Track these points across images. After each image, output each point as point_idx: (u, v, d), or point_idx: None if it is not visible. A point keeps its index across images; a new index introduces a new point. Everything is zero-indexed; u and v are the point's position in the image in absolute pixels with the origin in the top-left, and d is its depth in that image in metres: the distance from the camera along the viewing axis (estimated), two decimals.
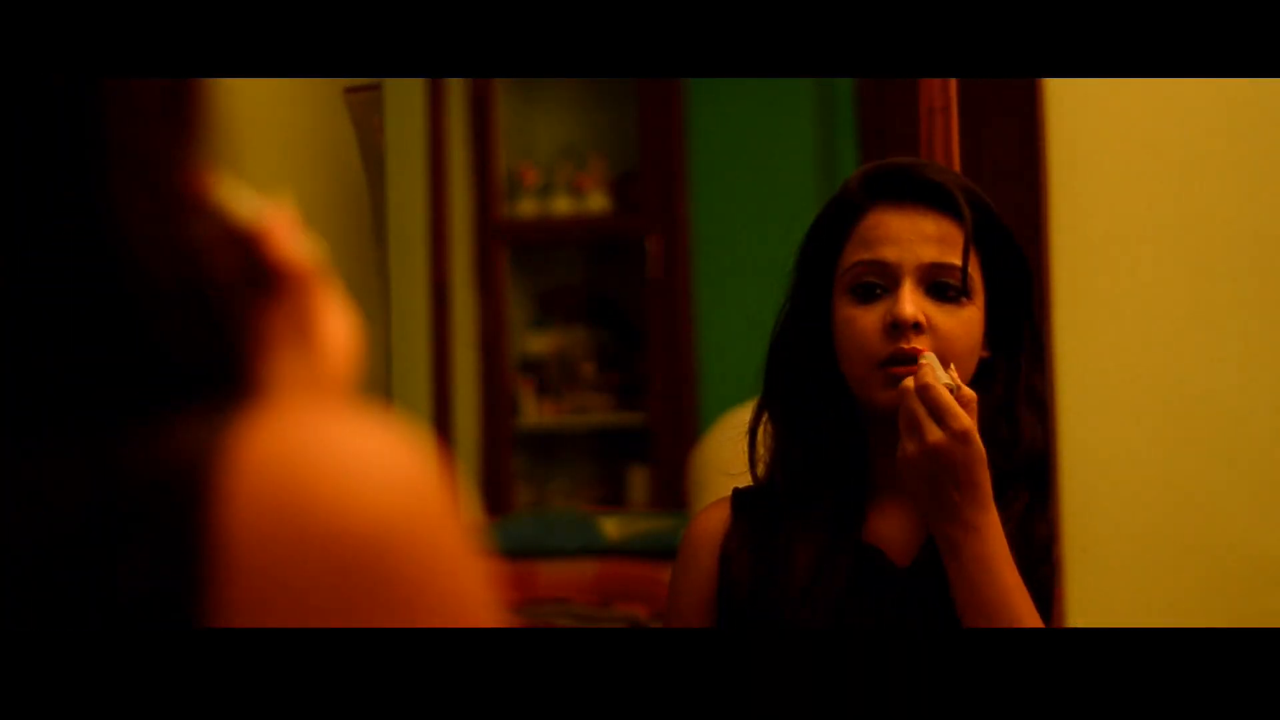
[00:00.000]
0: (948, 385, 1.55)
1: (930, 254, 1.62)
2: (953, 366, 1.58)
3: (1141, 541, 1.51)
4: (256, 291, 0.68)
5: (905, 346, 1.59)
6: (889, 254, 1.62)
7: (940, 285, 1.62)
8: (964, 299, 1.62)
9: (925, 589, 1.59)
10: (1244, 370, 1.50)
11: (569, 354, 4.00)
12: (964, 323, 1.62)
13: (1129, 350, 1.52)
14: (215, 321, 0.65)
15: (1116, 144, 1.52)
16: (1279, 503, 1.50)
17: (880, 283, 1.62)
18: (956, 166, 1.87)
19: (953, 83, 1.91)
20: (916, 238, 1.63)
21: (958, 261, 1.62)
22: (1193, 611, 1.49)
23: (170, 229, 0.64)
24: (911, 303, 1.60)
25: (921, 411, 1.54)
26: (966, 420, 1.53)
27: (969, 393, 1.56)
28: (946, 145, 1.90)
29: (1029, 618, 1.53)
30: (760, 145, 3.75)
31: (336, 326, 0.71)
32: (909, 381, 1.55)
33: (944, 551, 1.56)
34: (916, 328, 1.60)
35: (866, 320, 1.62)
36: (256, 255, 0.69)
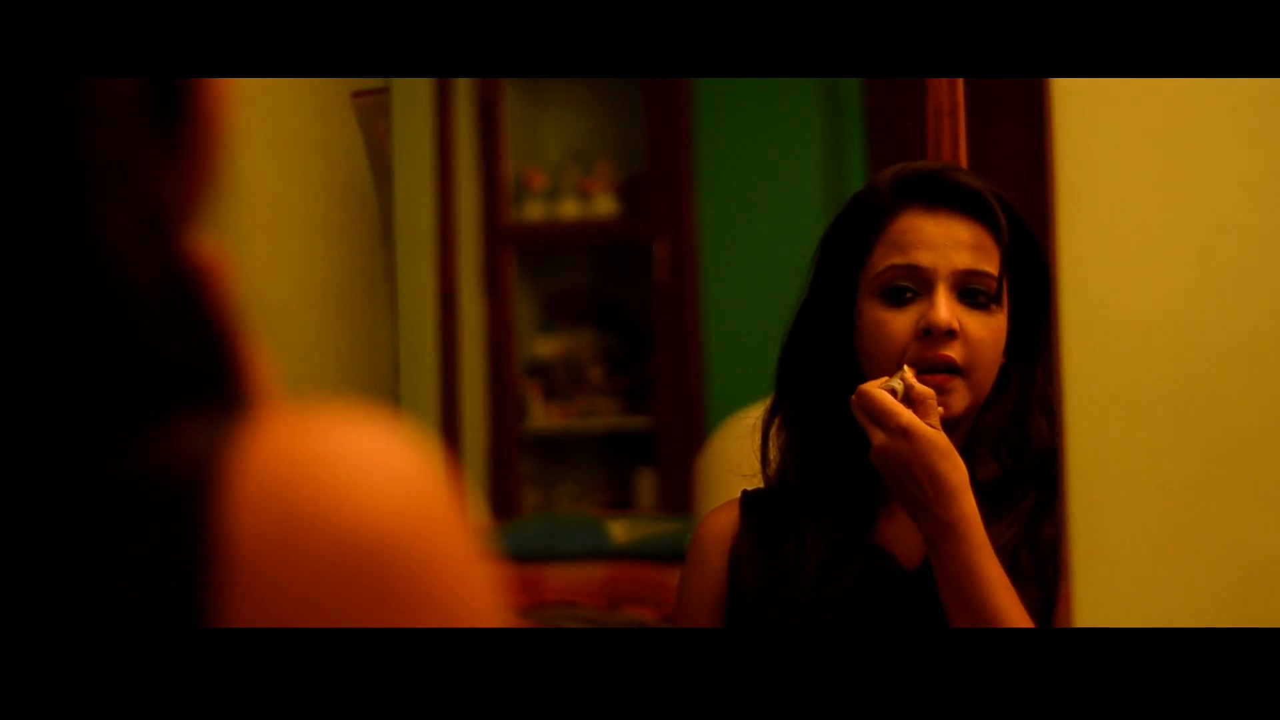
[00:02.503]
0: (890, 388, 1.55)
1: (964, 260, 1.62)
2: (906, 369, 1.57)
3: (1148, 543, 1.51)
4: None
5: (936, 353, 1.59)
6: (923, 259, 1.62)
7: (971, 291, 1.62)
8: (994, 306, 1.63)
9: (933, 591, 1.59)
10: (1252, 372, 1.50)
11: (576, 357, 4.00)
12: (993, 330, 1.63)
13: (1135, 352, 1.52)
14: (208, 326, 0.65)
15: (1124, 144, 1.52)
16: None
17: (912, 287, 1.62)
18: (964, 168, 1.87)
19: (960, 85, 1.91)
20: (950, 243, 1.62)
21: (992, 269, 1.62)
22: (1200, 612, 1.48)
23: (158, 234, 0.64)
24: (947, 309, 1.60)
25: (862, 418, 1.55)
26: (905, 417, 1.53)
27: (922, 390, 1.56)
28: (954, 148, 1.90)
29: (1012, 613, 1.53)
30: (768, 149, 3.75)
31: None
32: (852, 397, 1.56)
33: (928, 550, 1.56)
34: (950, 334, 1.60)
35: (898, 325, 1.62)
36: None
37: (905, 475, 1.53)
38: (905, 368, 1.58)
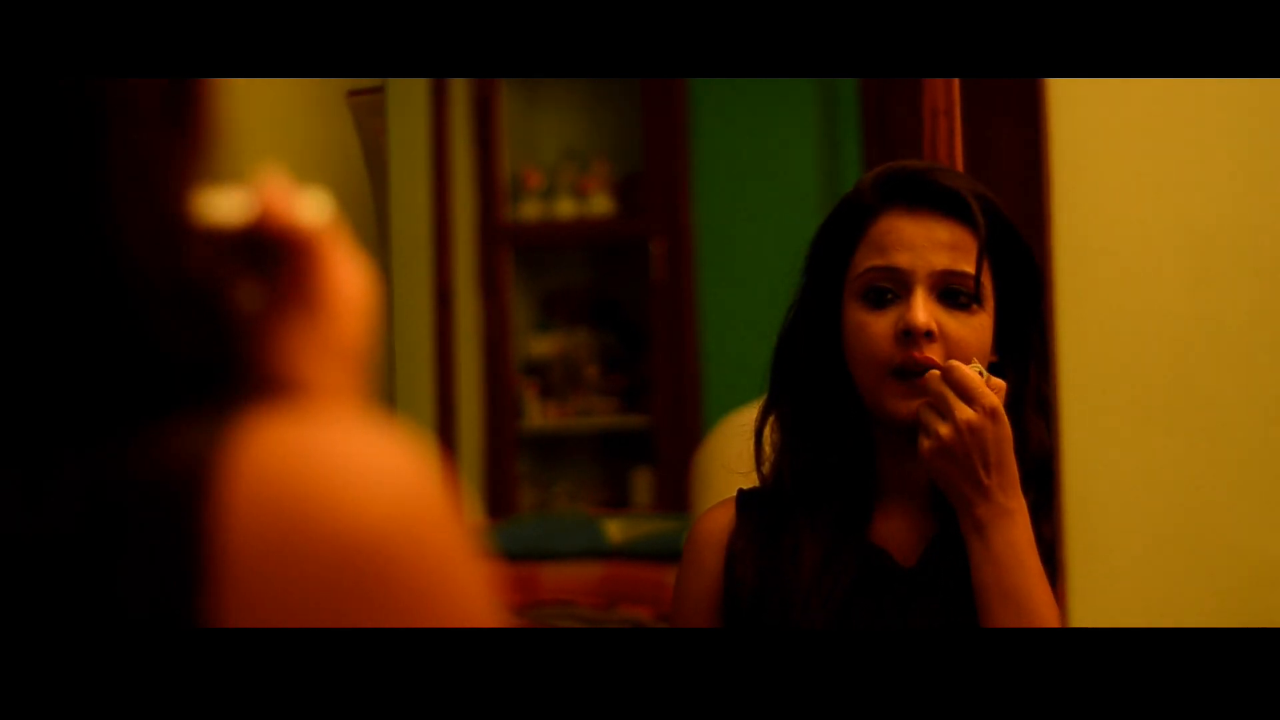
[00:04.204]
0: (977, 370, 1.56)
1: (943, 261, 1.62)
2: (975, 360, 1.58)
3: (1143, 543, 1.51)
4: (262, 270, 0.68)
5: (916, 355, 1.59)
6: (902, 260, 1.62)
7: (952, 292, 1.62)
8: (975, 306, 1.62)
9: (929, 589, 1.59)
10: (1245, 372, 1.50)
11: (573, 356, 4.00)
12: (974, 330, 1.62)
13: (1131, 352, 1.52)
14: (215, 324, 0.65)
15: (1119, 144, 1.52)
16: (1279, 504, 1.50)
17: (892, 288, 1.62)
18: (960, 168, 1.87)
19: (956, 84, 1.91)
20: (929, 244, 1.62)
21: (970, 269, 1.61)
22: (1194, 612, 1.49)
23: (169, 232, 0.64)
24: (924, 310, 1.60)
25: (949, 393, 1.55)
26: (994, 398, 1.54)
27: (998, 381, 1.57)
28: (950, 147, 1.90)
29: (1051, 607, 1.54)
30: (764, 148, 3.75)
31: (350, 279, 0.72)
32: (934, 371, 1.56)
33: (970, 535, 1.56)
34: (928, 336, 1.60)
35: (878, 327, 1.62)
36: (256, 233, 0.69)
37: (981, 457, 1.54)
38: (974, 359, 1.59)
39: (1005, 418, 1.55)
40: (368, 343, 0.72)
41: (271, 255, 0.70)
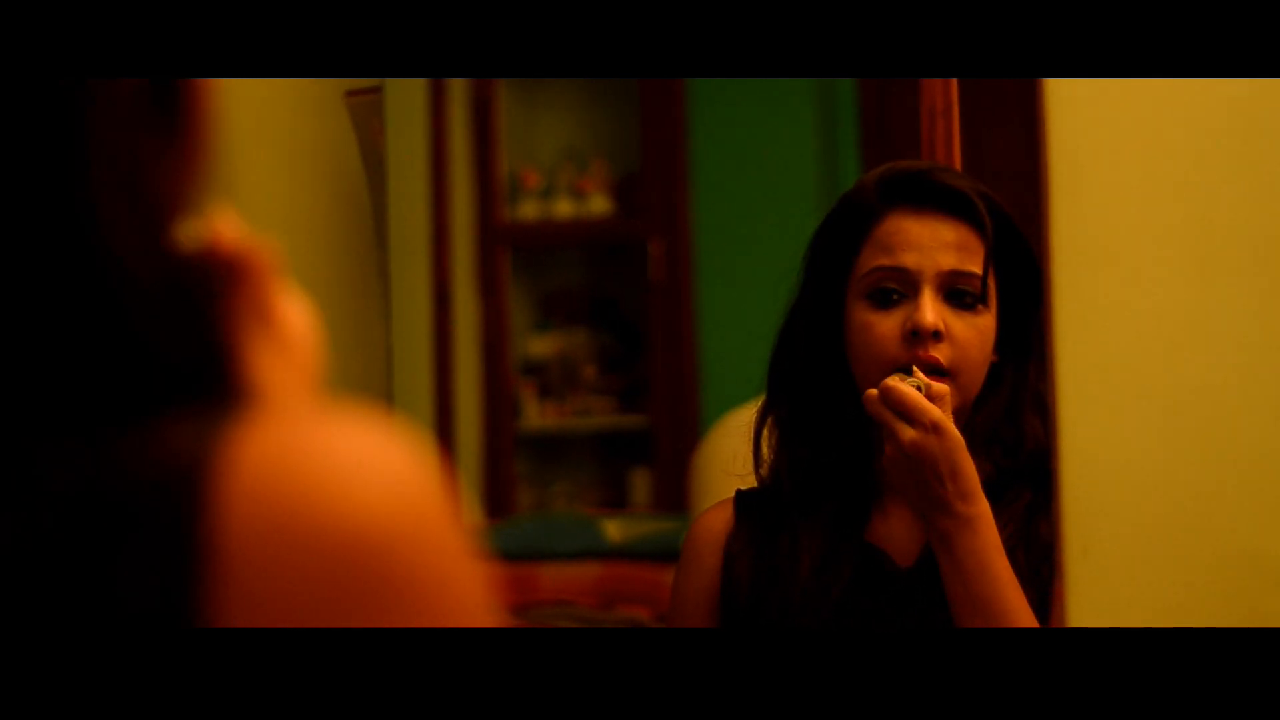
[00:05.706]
0: (915, 385, 1.56)
1: (950, 261, 1.62)
2: (916, 370, 1.58)
3: (1142, 542, 1.51)
4: (224, 289, 0.68)
5: (923, 354, 1.59)
6: (909, 260, 1.62)
7: (958, 292, 1.62)
8: (980, 306, 1.63)
9: (927, 589, 1.59)
10: (1245, 371, 1.50)
11: (571, 356, 4.00)
12: (980, 330, 1.63)
13: (1130, 351, 1.52)
14: (203, 322, 0.65)
15: (1117, 145, 1.52)
16: (1279, 504, 1.50)
17: (898, 288, 1.62)
18: (958, 168, 1.88)
19: (954, 84, 1.91)
20: (936, 245, 1.63)
21: (977, 270, 1.62)
22: (1193, 612, 1.49)
23: (156, 230, 0.64)
24: (932, 311, 1.60)
25: (888, 414, 1.54)
26: (935, 412, 1.54)
27: (939, 387, 1.56)
28: (948, 147, 1.90)
29: (1022, 611, 1.54)
30: (762, 148, 3.75)
31: (294, 317, 0.71)
32: (872, 391, 1.56)
33: (937, 546, 1.56)
34: (936, 336, 1.60)
35: (885, 327, 1.62)
36: (205, 261, 0.69)
37: (931, 472, 1.54)
38: (914, 368, 1.58)
39: (950, 427, 1.54)
40: (318, 380, 0.71)
41: (222, 281, 0.69)
